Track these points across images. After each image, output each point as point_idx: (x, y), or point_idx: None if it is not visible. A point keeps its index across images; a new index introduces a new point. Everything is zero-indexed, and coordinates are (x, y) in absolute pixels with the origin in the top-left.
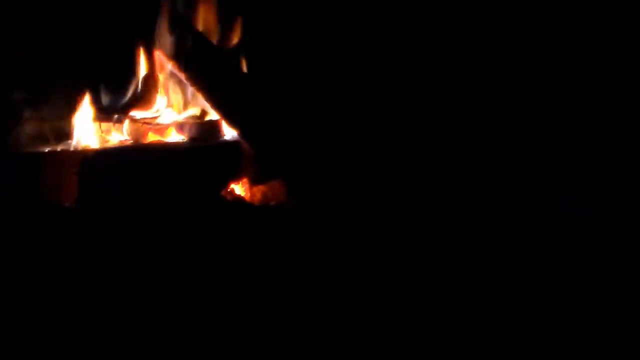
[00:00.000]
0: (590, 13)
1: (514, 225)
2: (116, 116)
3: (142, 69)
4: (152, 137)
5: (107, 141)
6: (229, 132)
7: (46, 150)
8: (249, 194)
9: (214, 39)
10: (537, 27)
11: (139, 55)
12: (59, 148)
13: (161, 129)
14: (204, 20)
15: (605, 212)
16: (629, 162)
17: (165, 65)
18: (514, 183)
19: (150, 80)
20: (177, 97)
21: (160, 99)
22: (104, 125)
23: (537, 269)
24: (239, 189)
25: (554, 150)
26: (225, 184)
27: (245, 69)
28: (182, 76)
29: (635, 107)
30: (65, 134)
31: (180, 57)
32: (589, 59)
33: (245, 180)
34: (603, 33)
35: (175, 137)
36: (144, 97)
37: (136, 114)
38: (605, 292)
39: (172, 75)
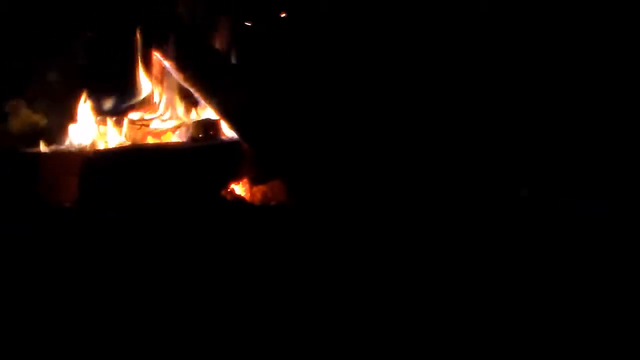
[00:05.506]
0: (596, 16)
1: (527, 226)
2: (115, 117)
3: (142, 71)
4: (150, 139)
5: (106, 142)
6: (229, 132)
7: (46, 150)
8: (249, 194)
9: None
10: (538, 28)
11: (139, 55)
12: (58, 148)
13: (159, 131)
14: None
15: (618, 212)
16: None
17: (164, 66)
18: (525, 184)
19: (150, 81)
20: (175, 98)
21: (158, 101)
22: (103, 126)
23: (549, 268)
24: (239, 189)
25: (564, 152)
26: (226, 184)
27: (243, 69)
28: (180, 76)
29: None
30: (64, 135)
31: (174, 55)
32: (587, 60)
33: (245, 180)
34: (604, 36)
35: (174, 137)
36: (143, 99)
37: (135, 115)
38: (618, 291)
39: (170, 76)
